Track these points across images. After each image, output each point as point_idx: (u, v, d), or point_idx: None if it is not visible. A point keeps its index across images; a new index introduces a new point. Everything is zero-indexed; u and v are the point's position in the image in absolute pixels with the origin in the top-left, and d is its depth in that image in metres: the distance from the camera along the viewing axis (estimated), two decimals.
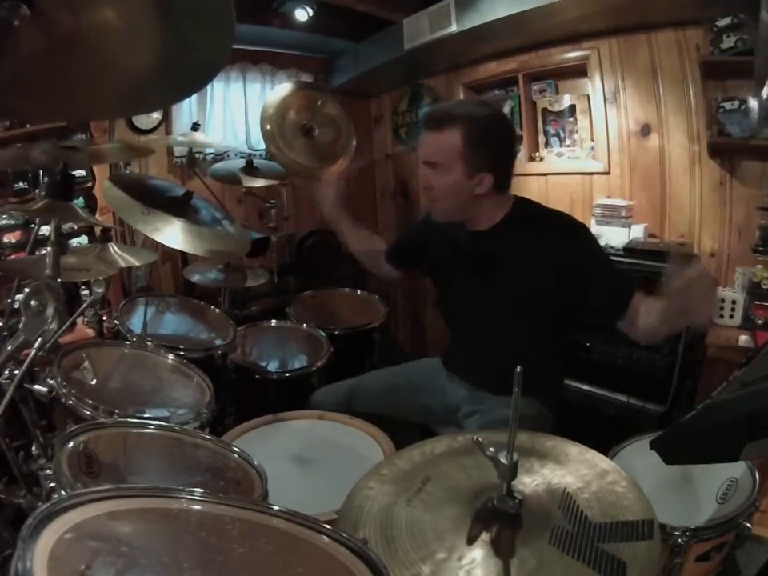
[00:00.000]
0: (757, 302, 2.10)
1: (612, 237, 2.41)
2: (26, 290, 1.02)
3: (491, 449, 0.77)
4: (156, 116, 2.91)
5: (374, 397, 1.63)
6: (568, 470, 0.87)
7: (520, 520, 0.76)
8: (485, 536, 0.74)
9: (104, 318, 2.00)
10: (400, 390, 1.64)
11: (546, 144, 2.94)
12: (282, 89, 2.72)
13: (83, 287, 2.47)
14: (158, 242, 1.69)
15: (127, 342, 1.58)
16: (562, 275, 1.37)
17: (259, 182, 2.67)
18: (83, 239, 2.61)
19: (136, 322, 1.77)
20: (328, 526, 0.67)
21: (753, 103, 1.18)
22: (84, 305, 1.39)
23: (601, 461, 0.89)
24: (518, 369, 0.72)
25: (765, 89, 1.00)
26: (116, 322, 1.68)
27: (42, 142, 1.73)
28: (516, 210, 1.48)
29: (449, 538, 0.74)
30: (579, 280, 1.37)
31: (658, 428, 1.14)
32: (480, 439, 0.79)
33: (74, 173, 1.31)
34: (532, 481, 0.84)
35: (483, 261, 1.50)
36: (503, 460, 0.75)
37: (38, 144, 1.39)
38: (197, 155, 3.03)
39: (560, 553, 0.71)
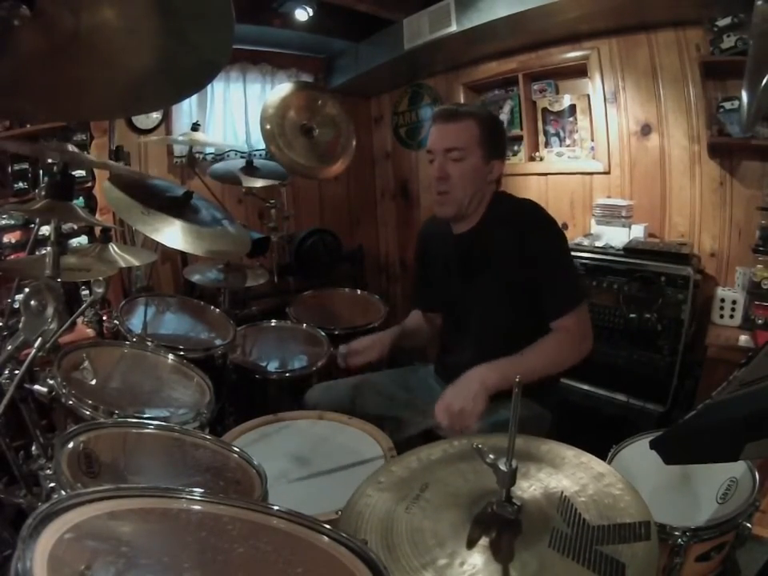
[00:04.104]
0: (757, 302, 2.10)
1: (612, 237, 2.41)
2: (26, 290, 1.02)
3: (491, 455, 0.76)
4: (156, 116, 2.91)
5: (373, 401, 1.62)
6: (564, 474, 0.87)
7: (519, 524, 0.76)
8: (485, 541, 0.74)
9: (104, 317, 2.00)
10: (398, 396, 1.64)
11: (546, 144, 2.94)
12: (281, 89, 2.72)
13: (83, 287, 2.47)
14: (158, 242, 1.69)
15: (127, 342, 1.58)
16: (524, 265, 1.40)
17: (259, 182, 2.67)
18: (83, 239, 2.61)
19: (136, 322, 1.77)
20: (328, 526, 0.67)
21: (744, 99, 1.17)
22: (84, 305, 1.39)
23: (596, 464, 0.89)
24: (518, 378, 0.72)
25: (762, 84, 0.99)
26: (116, 321, 1.68)
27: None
28: (493, 206, 1.52)
29: (449, 544, 0.74)
30: (535, 272, 1.40)
31: (657, 428, 1.14)
32: (479, 446, 0.79)
33: (74, 173, 1.31)
34: (529, 485, 0.84)
35: (466, 262, 1.53)
36: (502, 467, 0.75)
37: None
38: (197, 155, 3.03)
39: (560, 556, 0.71)
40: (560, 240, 1.47)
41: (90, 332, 2.02)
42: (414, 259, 1.82)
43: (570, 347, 1.38)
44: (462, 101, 3.21)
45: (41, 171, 2.46)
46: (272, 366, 1.98)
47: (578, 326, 1.39)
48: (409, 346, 1.76)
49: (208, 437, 1.13)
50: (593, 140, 2.71)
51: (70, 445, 0.93)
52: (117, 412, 1.17)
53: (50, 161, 1.88)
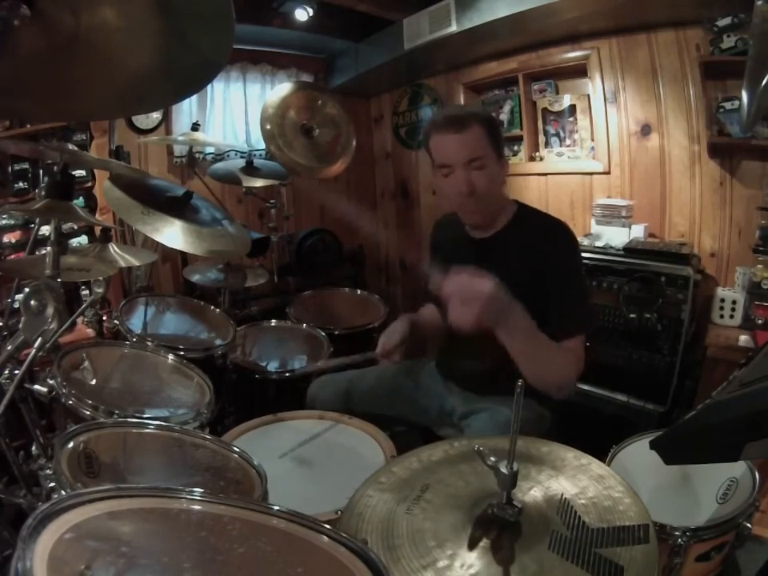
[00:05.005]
0: (757, 302, 2.09)
1: (612, 237, 2.41)
2: (26, 289, 1.02)
3: (492, 458, 0.76)
4: (156, 116, 2.91)
5: (372, 396, 1.62)
6: (564, 476, 0.87)
7: (519, 526, 0.76)
8: (485, 543, 0.74)
9: (104, 318, 2.00)
10: (398, 391, 1.64)
11: (546, 144, 2.94)
12: (281, 89, 2.72)
13: (83, 287, 2.47)
14: (158, 242, 1.69)
15: (127, 342, 1.58)
16: (541, 280, 1.38)
17: (259, 182, 2.67)
18: (83, 239, 2.61)
19: (136, 322, 1.78)
20: (328, 526, 0.67)
21: (744, 99, 1.18)
22: (84, 305, 1.39)
23: (596, 466, 0.89)
24: (520, 381, 0.72)
25: (762, 84, 1.00)
26: (116, 321, 1.68)
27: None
28: (518, 216, 1.50)
29: (450, 545, 0.74)
30: (544, 282, 1.38)
31: (657, 428, 1.14)
32: (481, 448, 0.78)
33: (74, 173, 1.31)
34: (530, 487, 0.84)
35: (482, 268, 1.51)
36: (503, 470, 0.75)
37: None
38: (197, 155, 3.04)
39: (560, 558, 0.71)
40: (580, 262, 1.51)
41: (90, 332, 2.02)
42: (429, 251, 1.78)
43: (572, 366, 1.37)
44: (462, 101, 3.21)
45: (41, 171, 2.46)
46: (272, 366, 1.98)
47: (580, 349, 1.39)
48: (422, 337, 1.75)
49: (208, 437, 1.13)
50: (593, 140, 2.71)
51: (70, 445, 0.93)
52: (117, 412, 1.17)
53: (49, 161, 1.88)
